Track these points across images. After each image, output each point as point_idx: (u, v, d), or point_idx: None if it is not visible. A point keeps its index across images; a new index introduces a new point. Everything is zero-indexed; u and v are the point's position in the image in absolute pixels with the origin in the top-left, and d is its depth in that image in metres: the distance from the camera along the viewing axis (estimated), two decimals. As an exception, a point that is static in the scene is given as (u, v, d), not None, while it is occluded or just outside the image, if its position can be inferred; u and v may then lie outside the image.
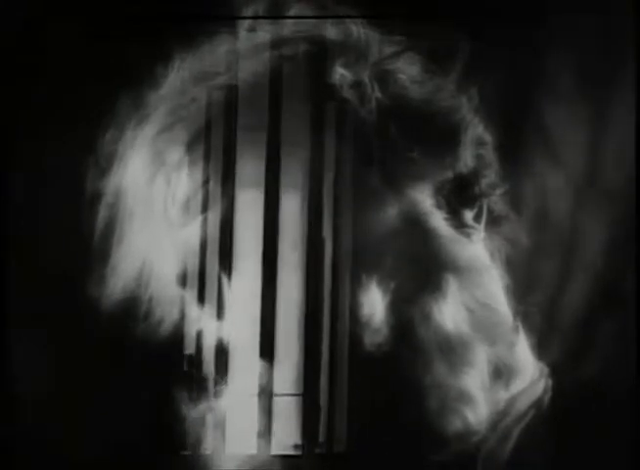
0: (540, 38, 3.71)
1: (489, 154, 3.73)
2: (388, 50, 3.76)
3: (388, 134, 3.74)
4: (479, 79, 3.70)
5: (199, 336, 3.77)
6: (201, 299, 3.78)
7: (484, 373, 3.66)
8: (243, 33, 3.81)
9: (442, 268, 3.72)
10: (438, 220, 3.75)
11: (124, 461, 3.62)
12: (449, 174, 3.75)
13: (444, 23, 3.70)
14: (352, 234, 3.79)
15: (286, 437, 3.75)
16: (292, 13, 3.80)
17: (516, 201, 3.71)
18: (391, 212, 3.75)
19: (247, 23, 3.80)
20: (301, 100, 3.86)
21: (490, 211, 3.73)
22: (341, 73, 3.78)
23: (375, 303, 3.71)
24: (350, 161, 3.82)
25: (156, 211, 3.78)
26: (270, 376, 3.75)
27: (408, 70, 3.75)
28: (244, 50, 3.83)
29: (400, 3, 3.76)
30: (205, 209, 3.82)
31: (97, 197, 3.73)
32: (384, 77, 3.77)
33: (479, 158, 3.74)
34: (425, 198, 3.76)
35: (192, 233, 3.79)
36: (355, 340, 3.72)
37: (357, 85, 3.78)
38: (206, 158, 3.85)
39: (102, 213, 3.72)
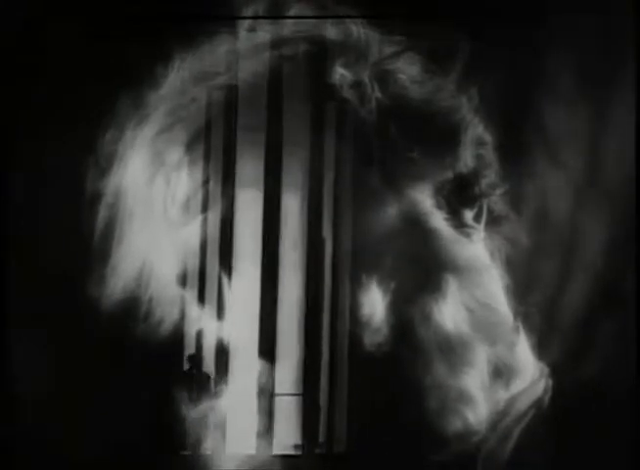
0: (540, 38, 3.71)
1: (489, 154, 3.73)
2: (388, 50, 3.76)
3: (387, 134, 3.74)
4: (479, 79, 3.70)
5: (199, 336, 3.77)
6: (201, 299, 3.78)
7: (484, 373, 3.66)
8: (243, 33, 3.81)
9: (442, 268, 3.72)
10: (438, 220, 3.75)
11: (124, 461, 3.62)
12: (449, 174, 3.75)
13: (444, 23, 3.70)
14: (352, 234, 3.79)
15: (286, 437, 3.76)
16: (292, 13, 3.80)
17: (516, 201, 3.71)
18: (391, 213, 3.75)
19: (247, 23, 3.80)
20: (301, 100, 3.86)
21: (490, 211, 3.73)
22: (341, 73, 3.78)
23: (375, 303, 3.71)
24: (350, 161, 3.82)
25: (156, 211, 3.78)
26: (270, 376, 3.75)
27: (408, 70, 3.75)
28: (244, 50, 3.83)
29: (400, 3, 3.76)
30: (205, 208, 3.82)
31: (97, 197, 3.73)
32: (384, 77, 3.77)
33: (479, 158, 3.74)
34: (425, 198, 3.76)
35: (192, 233, 3.80)
36: (355, 340, 3.72)
37: (357, 85, 3.78)
38: (206, 158, 3.85)
39: (102, 213, 3.73)
